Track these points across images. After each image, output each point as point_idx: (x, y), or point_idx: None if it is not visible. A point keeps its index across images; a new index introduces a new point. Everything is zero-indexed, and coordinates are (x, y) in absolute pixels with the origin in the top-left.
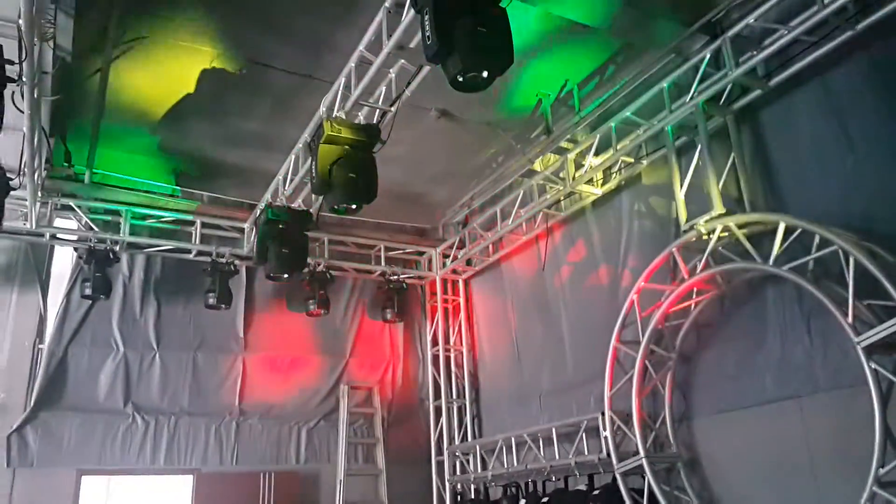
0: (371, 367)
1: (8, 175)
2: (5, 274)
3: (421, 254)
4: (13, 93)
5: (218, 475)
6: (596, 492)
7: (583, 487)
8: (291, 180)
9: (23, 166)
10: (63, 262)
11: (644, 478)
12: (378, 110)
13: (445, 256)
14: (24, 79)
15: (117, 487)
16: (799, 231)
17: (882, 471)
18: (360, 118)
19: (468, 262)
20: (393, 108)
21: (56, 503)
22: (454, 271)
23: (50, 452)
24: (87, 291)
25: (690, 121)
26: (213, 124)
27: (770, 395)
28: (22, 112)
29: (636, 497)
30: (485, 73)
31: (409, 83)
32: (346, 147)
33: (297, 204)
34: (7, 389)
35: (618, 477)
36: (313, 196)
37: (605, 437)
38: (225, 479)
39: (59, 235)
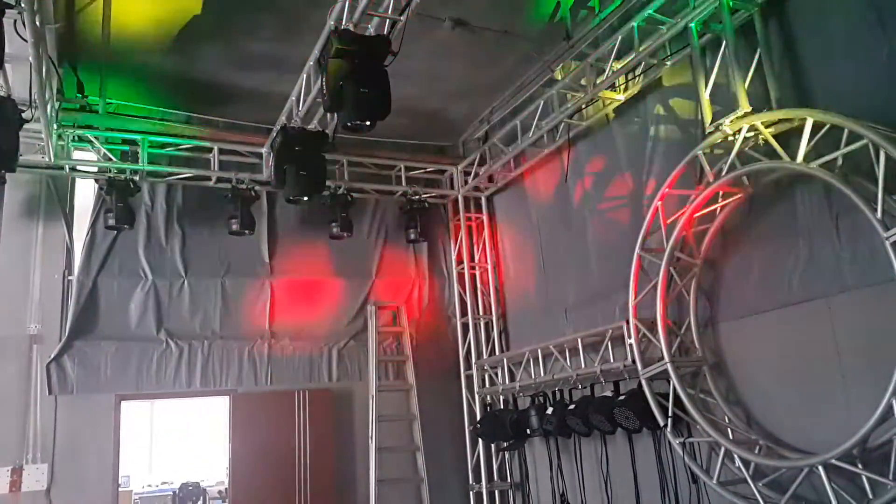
0: (397, 288)
1: (20, 107)
2: (29, 208)
3: (442, 172)
4: (14, 21)
5: (254, 395)
6: (622, 397)
7: (609, 394)
8: (304, 101)
9: (34, 98)
10: (85, 194)
11: (669, 382)
12: (388, 21)
13: (467, 174)
14: (22, 5)
15: (160, 410)
16: (828, 127)
17: None
18: (370, 30)
19: (490, 179)
20: (403, 17)
21: (97, 427)
22: (476, 188)
23: (88, 379)
24: (111, 222)
25: (715, 17)
26: (223, 47)
27: (797, 296)
28: (26, 41)
29: (661, 401)
30: None
31: None
32: (357, 61)
33: (313, 125)
34: (41, 321)
35: (643, 382)
36: (328, 116)
37: (630, 345)
38: (261, 399)
39: (78, 167)
